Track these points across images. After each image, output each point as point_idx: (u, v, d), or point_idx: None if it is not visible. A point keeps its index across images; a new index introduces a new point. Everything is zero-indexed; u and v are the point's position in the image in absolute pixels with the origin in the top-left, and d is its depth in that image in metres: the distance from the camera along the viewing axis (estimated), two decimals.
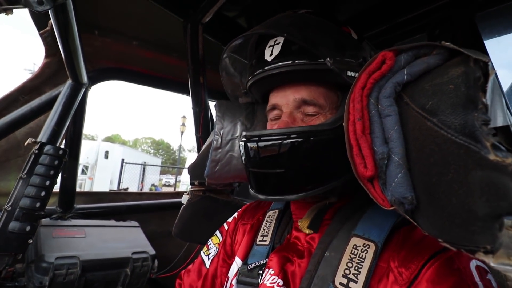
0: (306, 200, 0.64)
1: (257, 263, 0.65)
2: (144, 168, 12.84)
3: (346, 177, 0.56)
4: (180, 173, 18.20)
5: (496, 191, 0.29)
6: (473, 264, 0.45)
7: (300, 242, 0.63)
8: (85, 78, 1.27)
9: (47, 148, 1.04)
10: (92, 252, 1.22)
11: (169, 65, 1.67)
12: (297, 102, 0.61)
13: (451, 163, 0.33)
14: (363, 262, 0.50)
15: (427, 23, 1.12)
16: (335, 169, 0.56)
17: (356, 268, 0.49)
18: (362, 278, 0.48)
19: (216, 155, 0.81)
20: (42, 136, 1.11)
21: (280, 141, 0.55)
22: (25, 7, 0.64)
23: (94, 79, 1.44)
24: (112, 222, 1.52)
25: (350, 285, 0.48)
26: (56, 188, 1.24)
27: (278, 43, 0.62)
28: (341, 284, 0.49)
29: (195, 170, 0.99)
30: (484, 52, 0.99)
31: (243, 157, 0.63)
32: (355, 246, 0.52)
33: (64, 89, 1.25)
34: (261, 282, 0.60)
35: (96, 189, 11.60)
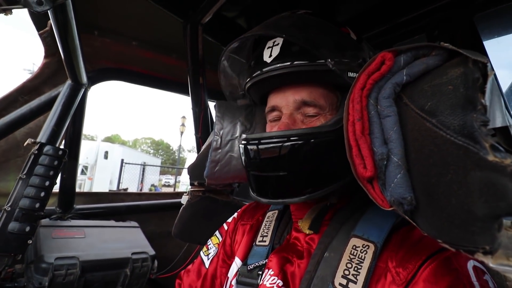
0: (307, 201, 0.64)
1: (256, 264, 0.65)
2: (143, 169, 12.82)
3: (347, 179, 0.55)
4: (179, 174, 18.18)
5: (495, 192, 0.29)
6: (470, 264, 0.45)
7: (299, 242, 0.63)
8: (84, 79, 1.27)
9: (47, 148, 1.04)
10: (92, 252, 1.22)
11: (169, 66, 1.67)
12: (297, 103, 0.61)
13: (450, 163, 0.33)
14: (362, 262, 0.50)
15: (426, 24, 1.12)
16: (337, 170, 0.56)
17: (356, 268, 0.49)
18: (361, 278, 0.48)
19: (215, 155, 0.81)
20: (42, 137, 1.11)
21: (281, 144, 0.54)
22: (24, 7, 0.64)
23: (94, 79, 1.44)
24: (112, 222, 1.52)
25: (349, 286, 0.48)
26: (56, 188, 1.24)
27: (277, 44, 0.61)
28: (340, 284, 0.49)
29: (195, 171, 0.99)
30: (483, 53, 1.00)
31: (243, 160, 0.63)
32: (354, 247, 0.52)
33: (63, 90, 1.25)
34: (260, 283, 0.60)
35: (95, 189, 11.59)
